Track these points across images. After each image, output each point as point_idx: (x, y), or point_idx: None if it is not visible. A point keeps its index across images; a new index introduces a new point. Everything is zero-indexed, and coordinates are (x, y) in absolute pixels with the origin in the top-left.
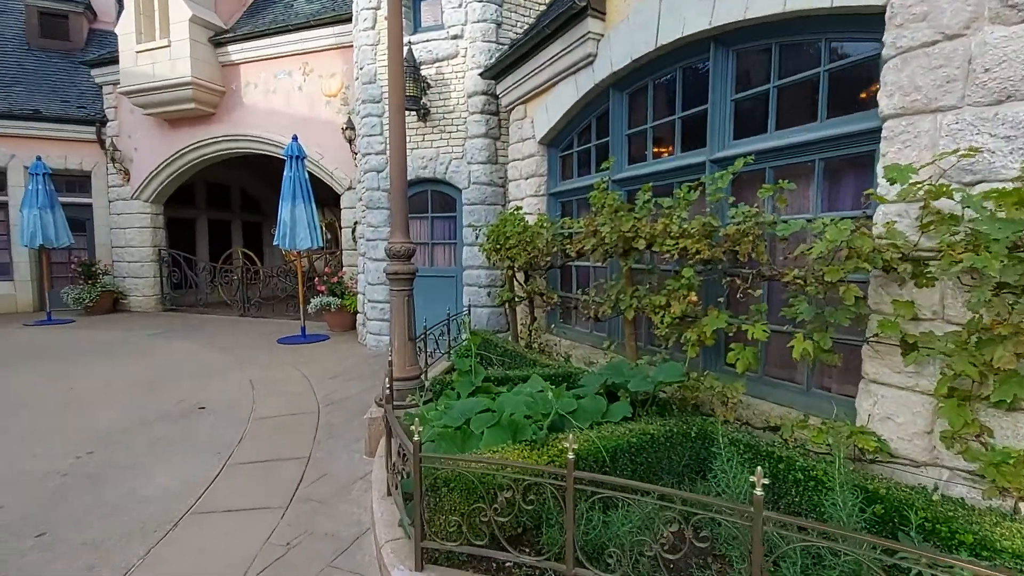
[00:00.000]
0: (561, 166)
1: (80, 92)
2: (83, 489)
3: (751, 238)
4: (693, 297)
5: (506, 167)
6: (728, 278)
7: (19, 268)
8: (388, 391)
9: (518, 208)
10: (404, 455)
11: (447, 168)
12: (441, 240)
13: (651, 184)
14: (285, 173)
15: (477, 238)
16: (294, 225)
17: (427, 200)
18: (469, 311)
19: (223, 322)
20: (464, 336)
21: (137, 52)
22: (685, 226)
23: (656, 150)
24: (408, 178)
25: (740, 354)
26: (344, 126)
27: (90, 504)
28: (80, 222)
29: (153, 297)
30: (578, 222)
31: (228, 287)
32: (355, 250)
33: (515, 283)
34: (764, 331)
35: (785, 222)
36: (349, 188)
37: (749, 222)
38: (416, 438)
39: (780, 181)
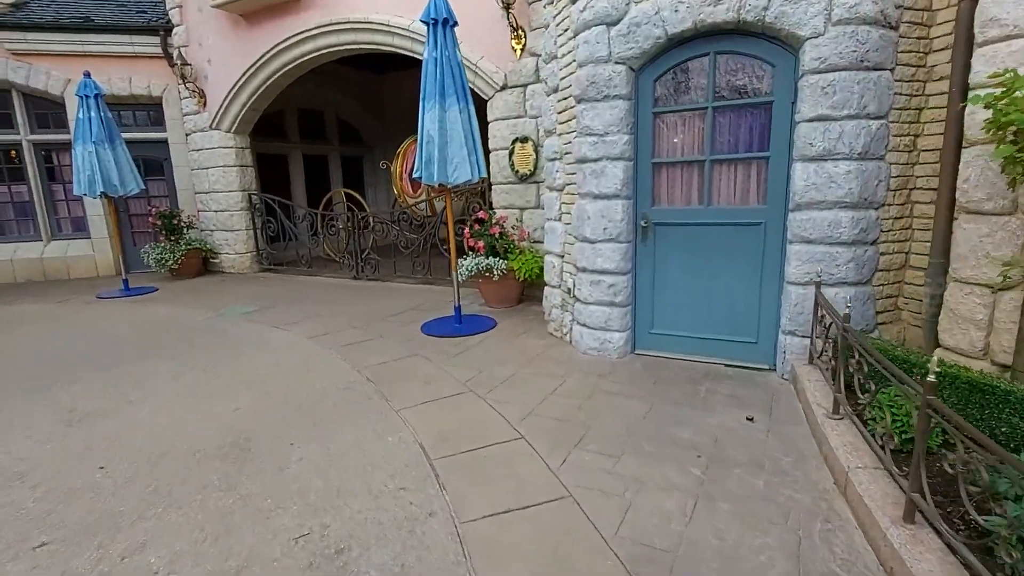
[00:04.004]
0: None
1: None
2: None
3: None
4: None
5: None
6: None
7: (95, 224)
8: None
9: None
10: None
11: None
12: (729, 153)
13: None
14: (426, 54)
15: (846, 140)
16: (445, 144)
17: (707, 74)
18: (818, 290)
19: (334, 289)
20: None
21: None
22: None
23: None
24: (667, 30)
25: None
26: None
27: None
28: (157, 163)
29: (247, 255)
30: None
31: (334, 239)
32: (511, 183)
33: None
34: None
35: None
36: (503, 87)
37: None
38: None
39: None
